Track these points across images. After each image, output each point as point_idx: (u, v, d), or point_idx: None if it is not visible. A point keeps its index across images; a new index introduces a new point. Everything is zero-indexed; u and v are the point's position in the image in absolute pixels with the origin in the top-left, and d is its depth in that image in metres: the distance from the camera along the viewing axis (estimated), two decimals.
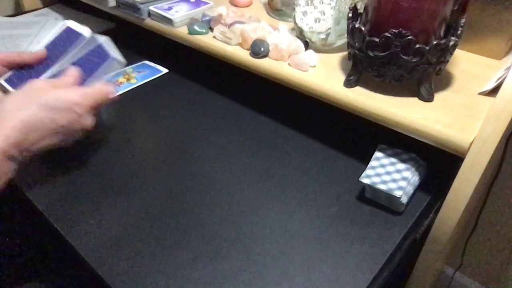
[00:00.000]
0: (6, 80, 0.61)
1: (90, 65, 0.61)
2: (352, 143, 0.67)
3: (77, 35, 0.64)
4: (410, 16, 0.50)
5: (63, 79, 0.58)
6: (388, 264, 0.49)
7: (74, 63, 0.61)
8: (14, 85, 0.61)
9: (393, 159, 0.56)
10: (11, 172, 0.50)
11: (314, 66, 0.64)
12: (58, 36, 0.64)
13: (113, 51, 0.62)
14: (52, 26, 0.66)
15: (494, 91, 0.54)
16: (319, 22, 0.65)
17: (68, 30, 0.65)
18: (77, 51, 0.62)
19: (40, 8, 1.14)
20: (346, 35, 0.58)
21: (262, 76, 0.66)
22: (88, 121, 0.56)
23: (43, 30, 0.99)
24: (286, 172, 0.61)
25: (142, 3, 0.79)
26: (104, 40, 0.63)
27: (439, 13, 0.51)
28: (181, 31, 0.76)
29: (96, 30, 1.01)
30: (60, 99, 0.53)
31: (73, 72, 0.59)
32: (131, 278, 0.46)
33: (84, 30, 0.64)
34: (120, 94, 0.78)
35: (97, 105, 0.57)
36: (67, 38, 0.64)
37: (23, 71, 0.62)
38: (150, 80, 0.83)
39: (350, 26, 0.55)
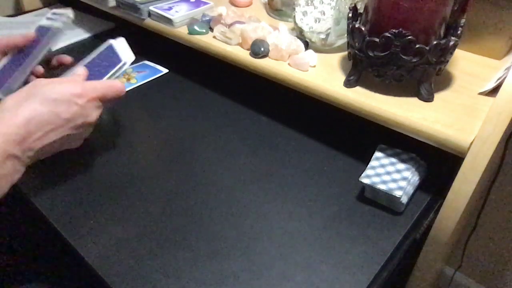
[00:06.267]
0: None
1: (101, 69, 0.59)
2: (352, 143, 0.67)
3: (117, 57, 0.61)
4: (410, 16, 0.50)
5: (70, 77, 0.57)
6: (388, 264, 0.49)
7: (85, 66, 0.60)
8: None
9: (393, 159, 0.56)
10: (16, 175, 0.48)
11: (314, 66, 0.64)
12: (99, 54, 0.62)
13: (125, 53, 0.61)
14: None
15: (494, 91, 0.54)
16: (319, 22, 0.65)
17: (110, 48, 0.62)
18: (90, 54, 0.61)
19: (40, 8, 1.14)
20: (346, 35, 0.58)
21: (262, 76, 0.66)
22: (93, 115, 0.54)
23: None
24: (286, 172, 0.61)
25: (142, 3, 0.79)
26: (116, 42, 0.62)
27: (439, 13, 0.51)
28: (181, 31, 0.76)
29: (96, 30, 1.02)
30: (60, 92, 0.51)
31: (81, 71, 0.57)
32: (131, 278, 0.46)
33: (125, 55, 0.61)
34: None
35: (103, 99, 0.55)
36: (107, 57, 0.61)
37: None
38: (150, 80, 0.83)
39: (350, 26, 0.55)
